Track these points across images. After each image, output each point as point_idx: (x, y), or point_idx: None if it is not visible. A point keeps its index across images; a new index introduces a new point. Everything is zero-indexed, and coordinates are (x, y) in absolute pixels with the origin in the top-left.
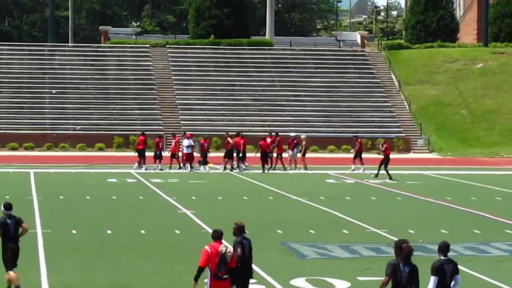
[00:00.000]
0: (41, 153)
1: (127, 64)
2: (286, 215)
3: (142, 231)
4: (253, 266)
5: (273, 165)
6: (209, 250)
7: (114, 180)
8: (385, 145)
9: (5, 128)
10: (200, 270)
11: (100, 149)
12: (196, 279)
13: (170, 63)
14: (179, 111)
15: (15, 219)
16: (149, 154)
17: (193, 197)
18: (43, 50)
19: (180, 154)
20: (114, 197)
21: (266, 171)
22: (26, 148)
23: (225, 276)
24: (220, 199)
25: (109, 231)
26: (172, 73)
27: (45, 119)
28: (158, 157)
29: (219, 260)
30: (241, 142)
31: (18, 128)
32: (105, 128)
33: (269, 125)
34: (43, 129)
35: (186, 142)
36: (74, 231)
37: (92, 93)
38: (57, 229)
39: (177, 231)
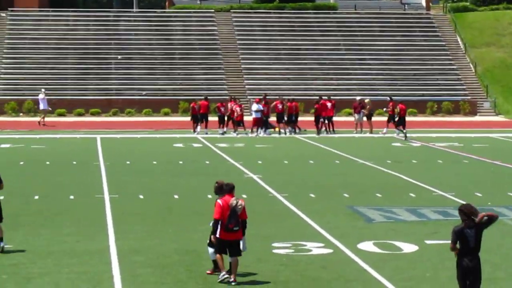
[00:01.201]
0: (107, 118)
1: (192, 29)
2: (352, 178)
3: (209, 196)
4: (319, 229)
5: (331, 129)
6: (221, 203)
7: (180, 145)
8: (390, 104)
9: (71, 94)
10: (216, 222)
11: (166, 114)
12: (213, 232)
13: (234, 28)
14: (244, 76)
15: None
16: (212, 119)
17: (260, 162)
18: (109, 16)
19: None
20: (180, 162)
21: (321, 134)
22: (93, 114)
23: (235, 228)
24: (286, 163)
25: (176, 196)
26: (236, 37)
27: (111, 85)
28: (221, 121)
29: (230, 212)
30: (293, 105)
31: (85, 94)
32: (170, 93)
33: (334, 89)
34: (109, 95)
35: (254, 106)
36: (141, 196)
37: (157, 59)
38: (124, 194)
39: (244, 196)
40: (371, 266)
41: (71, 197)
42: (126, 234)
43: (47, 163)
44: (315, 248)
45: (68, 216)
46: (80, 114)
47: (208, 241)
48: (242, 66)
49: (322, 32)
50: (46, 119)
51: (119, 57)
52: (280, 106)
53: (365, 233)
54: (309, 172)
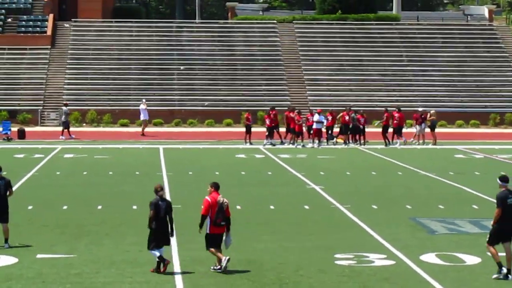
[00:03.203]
0: (170, 129)
1: (254, 40)
2: (415, 190)
3: (271, 207)
4: (382, 240)
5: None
6: (209, 200)
7: (243, 155)
8: (385, 115)
9: (134, 105)
10: (203, 218)
11: (228, 125)
12: (201, 226)
13: (297, 39)
14: (307, 87)
15: (4, 181)
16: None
17: (322, 172)
18: (171, 27)
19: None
20: (243, 173)
21: (389, 145)
22: (155, 124)
23: (222, 223)
24: (348, 174)
25: (238, 207)
26: (299, 48)
27: (174, 95)
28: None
29: (217, 209)
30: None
31: (148, 104)
32: (232, 104)
33: (396, 100)
34: (172, 105)
35: (316, 117)
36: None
37: (219, 69)
38: (187, 205)
39: (306, 207)
40: (434, 277)
41: (134, 207)
42: (189, 244)
43: (110, 173)
44: (378, 260)
45: (131, 226)
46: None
47: (150, 245)
48: (305, 77)
49: (384, 43)
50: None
51: (182, 67)
52: (346, 118)
53: (428, 245)
54: (371, 183)
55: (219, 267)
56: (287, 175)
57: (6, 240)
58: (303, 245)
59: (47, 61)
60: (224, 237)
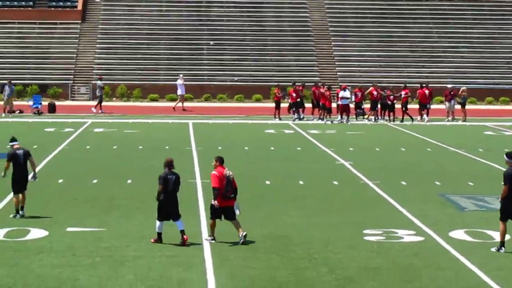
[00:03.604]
0: (199, 104)
1: (284, 15)
2: (444, 166)
3: (300, 182)
4: (411, 217)
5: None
6: (217, 174)
7: (272, 131)
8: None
9: (164, 80)
10: (215, 190)
11: (258, 100)
12: (215, 198)
13: (327, 14)
14: (336, 63)
15: (23, 151)
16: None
17: (351, 148)
18: (201, 2)
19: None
20: (272, 148)
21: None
22: (185, 100)
23: (232, 195)
24: (377, 150)
25: (267, 182)
26: (328, 24)
27: (203, 71)
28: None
29: (226, 182)
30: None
31: (177, 79)
32: (262, 79)
33: (426, 77)
34: (201, 80)
35: (341, 93)
36: None
37: (249, 45)
38: None
39: (335, 182)
40: (463, 254)
41: None
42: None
43: (140, 147)
44: (407, 236)
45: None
46: (172, 100)
47: (158, 216)
48: (334, 52)
49: (414, 19)
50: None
51: (211, 42)
52: (375, 93)
53: (457, 222)
54: (400, 160)
55: (212, 238)
56: (316, 150)
57: (22, 208)
58: (332, 220)
59: (78, 35)
60: (235, 208)
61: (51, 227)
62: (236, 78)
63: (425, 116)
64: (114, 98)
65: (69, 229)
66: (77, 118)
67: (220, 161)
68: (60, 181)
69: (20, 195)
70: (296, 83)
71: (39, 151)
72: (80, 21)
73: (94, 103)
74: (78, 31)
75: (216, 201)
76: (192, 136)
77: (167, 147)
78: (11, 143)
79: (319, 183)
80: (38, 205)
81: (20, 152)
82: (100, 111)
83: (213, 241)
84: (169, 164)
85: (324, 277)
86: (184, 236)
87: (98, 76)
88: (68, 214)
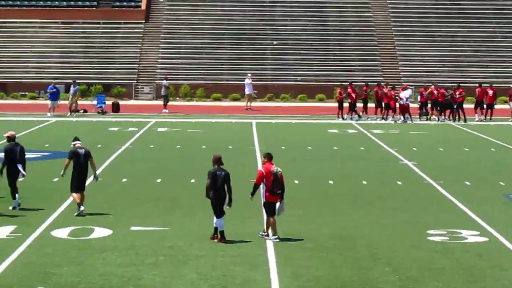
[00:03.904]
0: (262, 103)
1: (347, 14)
2: (508, 167)
3: (364, 182)
4: (475, 217)
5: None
6: (263, 171)
7: (335, 130)
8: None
9: (227, 79)
10: (256, 187)
11: (321, 100)
12: (252, 194)
13: (390, 14)
14: (399, 62)
15: (85, 150)
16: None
17: (414, 148)
18: (264, 1)
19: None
20: (335, 148)
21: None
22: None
23: (278, 192)
24: (441, 150)
25: (330, 182)
26: (392, 23)
27: (267, 70)
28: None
29: (273, 178)
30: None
31: (240, 79)
32: (325, 79)
33: (490, 77)
34: (265, 80)
35: (402, 93)
36: (296, 181)
37: (312, 44)
38: None
39: (399, 182)
40: None
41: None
42: (281, 218)
43: (203, 147)
44: (471, 236)
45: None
46: (235, 99)
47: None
48: (397, 52)
49: (478, 18)
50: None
51: (275, 42)
52: (435, 93)
53: None
54: (464, 160)
55: (266, 233)
56: (379, 150)
57: (79, 205)
58: (395, 220)
59: (141, 35)
60: (277, 205)
61: (115, 226)
62: (299, 78)
63: (477, 115)
64: (177, 98)
65: (132, 228)
66: (141, 118)
67: (269, 157)
68: (124, 180)
69: (79, 195)
70: (352, 83)
71: (103, 150)
72: (143, 21)
73: (157, 102)
74: (142, 31)
75: (252, 197)
76: (255, 136)
77: (230, 147)
78: (73, 142)
79: (383, 183)
80: (102, 204)
81: (81, 151)
82: (164, 110)
83: (277, 240)
84: (218, 161)
85: (388, 277)
86: (216, 235)
87: (164, 76)
88: (132, 213)
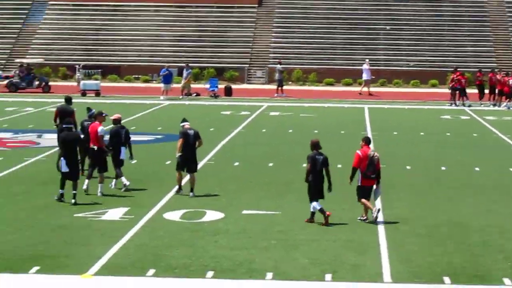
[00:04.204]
0: (375, 89)
1: (461, 0)
2: None
3: (476, 169)
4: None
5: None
6: (360, 154)
7: (448, 117)
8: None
9: (340, 64)
10: (354, 170)
11: (433, 86)
12: (351, 178)
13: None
14: None
15: (193, 131)
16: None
17: None
18: None
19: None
20: (447, 134)
21: None
22: (360, 84)
23: (372, 176)
24: None
25: (443, 168)
26: (507, 10)
27: (379, 55)
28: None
29: (368, 162)
30: None
31: (353, 64)
32: (438, 64)
33: None
34: (377, 65)
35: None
36: (408, 167)
37: (425, 30)
38: (391, 164)
39: (511, 169)
40: None
41: (339, 165)
42: (393, 203)
43: (315, 131)
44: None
45: (335, 185)
46: (347, 84)
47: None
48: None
49: None
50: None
51: (388, 27)
52: None
53: None
54: None
55: (365, 217)
56: (492, 137)
57: (191, 189)
58: (508, 208)
59: (254, 19)
60: (374, 188)
61: (227, 210)
62: (412, 64)
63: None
64: (290, 82)
65: (244, 211)
66: (253, 102)
67: (366, 141)
68: (236, 164)
69: (188, 176)
70: (458, 69)
71: (215, 134)
72: (257, 5)
73: (270, 86)
74: (255, 15)
75: (351, 181)
76: (367, 121)
77: (342, 132)
78: (182, 123)
79: (496, 170)
80: (214, 188)
81: (191, 132)
82: (276, 94)
83: (366, 221)
84: (316, 145)
85: (500, 264)
86: (312, 219)
87: (278, 60)
88: (244, 197)
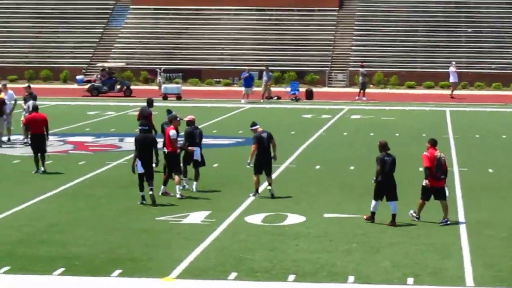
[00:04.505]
0: (457, 92)
1: None
2: None
3: None
4: None
5: None
6: (428, 155)
7: None
8: None
9: (421, 67)
10: (427, 170)
11: None
12: (426, 178)
13: None
14: None
15: (267, 134)
16: None
17: None
18: None
19: None
20: None
21: None
22: (442, 87)
23: (442, 176)
24: None
25: None
26: None
27: (461, 58)
28: None
29: (436, 163)
30: None
31: (434, 66)
32: None
33: None
34: (458, 68)
35: None
36: (490, 170)
37: (507, 32)
38: (473, 167)
39: None
40: None
41: (420, 169)
42: (476, 207)
43: (397, 134)
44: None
45: (414, 188)
46: (429, 87)
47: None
48: None
49: None
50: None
51: (469, 30)
52: None
53: None
54: None
55: (418, 216)
56: None
57: (257, 190)
58: None
59: (335, 22)
60: (441, 189)
61: (308, 213)
62: (494, 66)
63: None
64: (370, 85)
65: (326, 215)
66: (334, 105)
67: (432, 143)
68: (317, 167)
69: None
70: None
71: (296, 137)
72: (337, 8)
73: (351, 90)
74: (336, 18)
75: (427, 181)
76: (449, 124)
77: (424, 135)
78: (254, 127)
79: None
80: (295, 191)
81: (264, 135)
82: (357, 97)
83: (417, 220)
84: (384, 147)
85: None
86: (394, 222)
87: (360, 64)
88: (325, 200)
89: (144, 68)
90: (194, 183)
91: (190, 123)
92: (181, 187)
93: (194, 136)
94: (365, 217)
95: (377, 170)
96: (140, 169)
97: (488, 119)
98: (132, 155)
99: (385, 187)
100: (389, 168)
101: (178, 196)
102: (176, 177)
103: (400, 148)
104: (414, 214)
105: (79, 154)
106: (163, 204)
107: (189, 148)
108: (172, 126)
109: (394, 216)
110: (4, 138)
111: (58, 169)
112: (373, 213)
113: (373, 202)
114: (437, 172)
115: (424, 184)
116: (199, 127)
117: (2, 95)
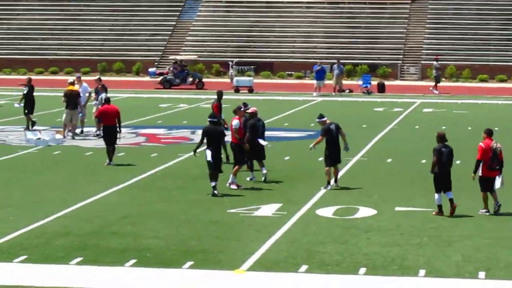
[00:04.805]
0: None
1: None
2: None
3: None
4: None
5: None
6: (483, 146)
7: None
8: None
9: (494, 60)
10: (478, 163)
11: None
12: (474, 172)
13: None
14: None
15: (335, 125)
16: None
17: None
18: None
19: None
20: None
21: None
22: (503, 80)
23: (497, 167)
24: None
25: None
26: None
27: None
28: None
29: (492, 154)
30: None
31: (507, 60)
32: None
33: None
34: None
35: None
36: None
37: None
38: None
39: None
40: None
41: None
42: None
43: (469, 128)
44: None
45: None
46: (502, 80)
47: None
48: None
49: None
50: None
51: None
52: None
53: None
54: None
55: (485, 210)
56: None
57: (335, 180)
58: None
59: (407, 15)
60: (497, 179)
61: (380, 206)
62: None
63: None
64: (442, 79)
65: (397, 208)
66: (406, 98)
67: (488, 133)
68: (389, 160)
69: (333, 169)
70: None
71: (368, 130)
72: (409, 1)
73: (423, 83)
74: (408, 11)
75: (473, 174)
76: None
77: (496, 128)
78: (321, 119)
79: None
80: (367, 184)
81: (332, 126)
82: (430, 88)
83: (488, 213)
84: (442, 138)
85: None
86: (454, 204)
87: (435, 57)
88: (397, 194)
89: (216, 61)
90: (264, 171)
91: (253, 115)
92: (235, 180)
93: (257, 128)
94: (433, 213)
95: (434, 161)
96: (209, 157)
97: None
98: (205, 147)
99: (442, 178)
100: (446, 159)
101: (227, 184)
102: (236, 167)
103: (472, 142)
104: (483, 211)
105: (151, 146)
106: (235, 195)
107: (246, 145)
108: (237, 117)
109: (451, 200)
110: (78, 130)
111: (130, 161)
112: (439, 206)
113: (436, 195)
114: (492, 162)
115: (472, 176)
116: (271, 119)
117: (77, 87)
